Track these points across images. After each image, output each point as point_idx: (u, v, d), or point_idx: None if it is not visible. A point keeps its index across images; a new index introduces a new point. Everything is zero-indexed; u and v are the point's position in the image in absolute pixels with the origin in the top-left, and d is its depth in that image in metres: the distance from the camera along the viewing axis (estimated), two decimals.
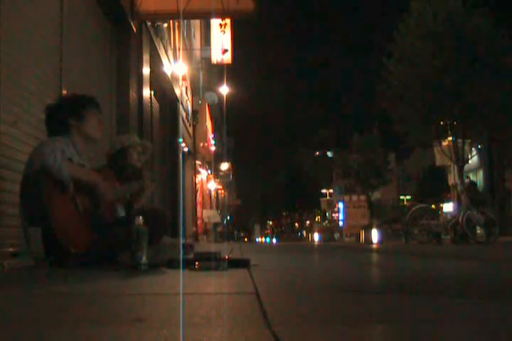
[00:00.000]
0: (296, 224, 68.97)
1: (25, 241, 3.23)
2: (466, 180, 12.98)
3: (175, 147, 13.69)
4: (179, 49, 13.61)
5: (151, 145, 4.61)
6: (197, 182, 20.34)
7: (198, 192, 21.42)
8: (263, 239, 58.21)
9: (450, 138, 13.95)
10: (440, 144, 14.51)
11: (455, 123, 13.81)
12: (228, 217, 50.52)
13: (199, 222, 20.80)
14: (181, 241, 5.68)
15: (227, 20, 17.43)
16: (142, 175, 4.04)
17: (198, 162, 20.08)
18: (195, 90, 19.44)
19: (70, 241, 3.09)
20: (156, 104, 10.81)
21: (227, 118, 36.35)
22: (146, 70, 8.49)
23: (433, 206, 12.58)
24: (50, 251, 3.14)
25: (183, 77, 13.65)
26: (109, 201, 3.45)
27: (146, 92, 8.70)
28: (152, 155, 9.29)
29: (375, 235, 17.34)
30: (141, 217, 2.96)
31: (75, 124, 3.42)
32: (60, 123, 3.40)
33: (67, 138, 3.36)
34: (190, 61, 16.66)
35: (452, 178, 15.90)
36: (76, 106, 3.50)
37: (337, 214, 35.10)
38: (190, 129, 17.80)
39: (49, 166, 3.05)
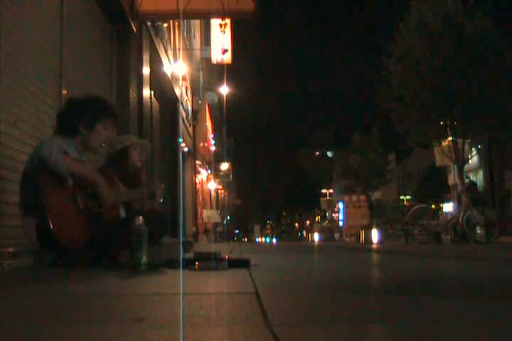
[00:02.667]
0: (296, 224, 68.95)
1: (23, 231, 3.25)
2: (466, 180, 12.95)
3: (175, 147, 13.69)
4: (179, 49, 13.61)
5: (149, 145, 4.62)
6: (197, 182, 20.34)
7: (198, 192, 21.42)
8: (263, 239, 58.28)
9: (450, 138, 13.93)
10: (440, 144, 14.49)
11: (455, 123, 13.79)
12: (228, 217, 50.52)
13: (199, 221, 20.80)
14: (181, 240, 5.68)
15: (227, 20, 17.41)
16: (141, 176, 4.05)
17: (198, 162, 20.08)
18: (195, 90, 19.42)
19: (64, 236, 3.08)
20: (156, 104, 10.81)
21: (227, 118, 36.34)
22: (146, 70, 8.49)
23: (433, 206, 12.56)
24: (45, 244, 3.13)
25: (183, 77, 13.64)
26: (111, 202, 3.42)
27: (146, 92, 8.70)
28: (152, 155, 9.31)
29: (375, 235, 17.31)
30: (141, 217, 2.96)
31: (83, 132, 3.40)
32: (68, 125, 3.39)
33: (69, 139, 3.36)
34: (190, 61, 16.65)
35: (452, 178, 15.87)
36: (93, 115, 3.43)
37: (337, 214, 35.15)
38: (190, 129, 17.79)
39: (45, 158, 3.06)
